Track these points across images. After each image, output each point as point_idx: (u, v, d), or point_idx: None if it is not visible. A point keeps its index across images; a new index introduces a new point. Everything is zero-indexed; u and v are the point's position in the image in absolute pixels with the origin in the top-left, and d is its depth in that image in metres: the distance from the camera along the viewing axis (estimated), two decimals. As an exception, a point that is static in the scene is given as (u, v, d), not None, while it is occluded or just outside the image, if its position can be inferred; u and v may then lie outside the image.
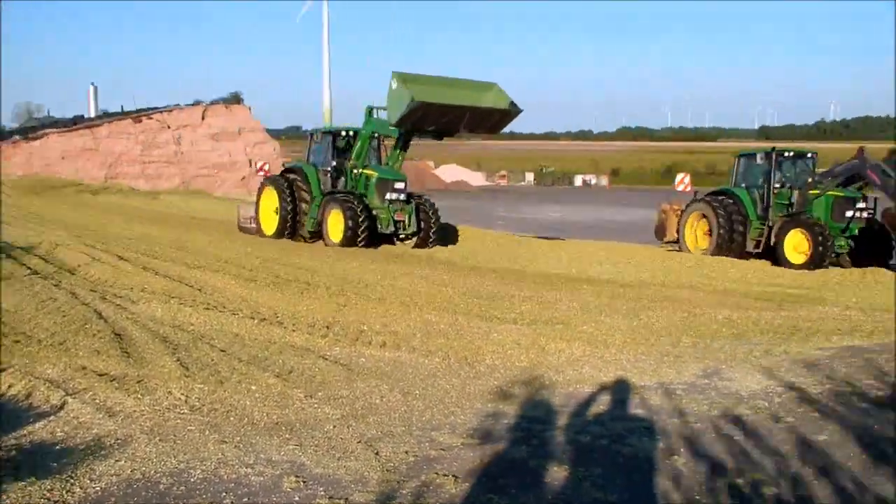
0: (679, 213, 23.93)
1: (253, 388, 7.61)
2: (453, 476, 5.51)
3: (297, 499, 5.14)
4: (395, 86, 19.68)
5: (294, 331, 10.06)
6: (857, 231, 20.38)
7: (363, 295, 12.78)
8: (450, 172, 78.25)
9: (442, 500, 5.14)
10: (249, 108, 51.11)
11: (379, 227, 21.18)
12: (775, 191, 21.75)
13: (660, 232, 25.57)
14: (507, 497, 5.17)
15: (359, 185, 21.84)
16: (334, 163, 22.28)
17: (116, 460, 5.66)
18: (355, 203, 20.69)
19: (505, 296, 13.41)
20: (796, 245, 20.09)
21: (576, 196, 63.25)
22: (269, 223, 23.01)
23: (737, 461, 5.82)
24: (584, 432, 6.49)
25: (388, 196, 21.06)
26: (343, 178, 22.35)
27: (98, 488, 5.20)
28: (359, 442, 6.22)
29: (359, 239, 20.46)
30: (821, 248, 19.46)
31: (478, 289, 14.02)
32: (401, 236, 21.74)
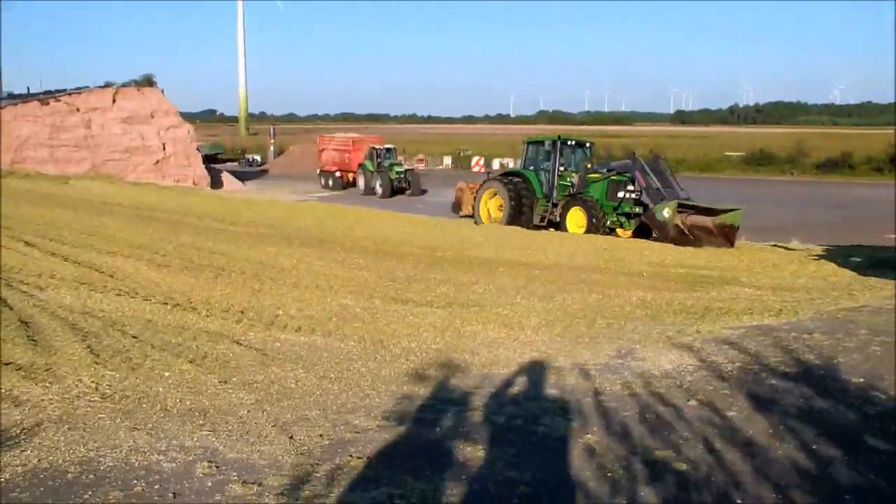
0: (474, 191, 28.39)
1: (166, 374, 7.51)
2: (367, 458, 5.53)
3: (209, 484, 5.10)
4: None
5: (208, 316, 9.94)
6: (627, 209, 24.51)
7: (278, 280, 12.68)
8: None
9: (356, 482, 5.16)
10: (162, 91, 50.05)
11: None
12: (559, 173, 26.10)
13: (456, 207, 29.26)
14: (422, 478, 5.20)
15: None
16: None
17: (22, 450, 5.53)
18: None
19: (421, 279, 13.45)
20: (576, 220, 24.54)
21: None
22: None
23: (650, 437, 5.94)
24: (498, 413, 6.56)
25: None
26: None
27: (1, 479, 5.08)
28: (273, 426, 6.19)
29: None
30: (594, 222, 23.92)
31: (394, 272, 14.03)
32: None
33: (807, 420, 6.21)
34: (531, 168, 26.95)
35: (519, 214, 25.62)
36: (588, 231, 23.64)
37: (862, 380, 7.19)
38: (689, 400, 6.83)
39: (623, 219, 24.77)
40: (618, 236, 24.00)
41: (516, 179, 26.44)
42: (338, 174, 53.05)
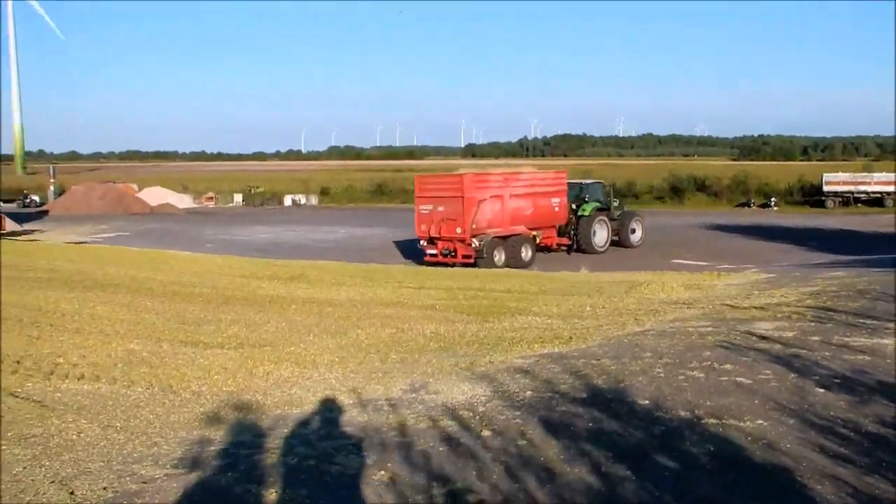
0: None
1: (-70, 433, 7.00)
2: (155, 509, 5.34)
3: (-19, 550, 4.78)
4: None
5: (-22, 368, 9.34)
6: None
7: (59, 326, 12.08)
8: (154, 195, 75.42)
9: (143, 535, 4.97)
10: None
11: None
12: None
13: None
14: (212, 526, 5.07)
15: None
16: None
17: None
18: None
19: (212, 320, 13.16)
20: None
21: (286, 216, 62.94)
22: None
23: (446, 468, 5.99)
24: (291, 454, 6.48)
25: None
26: None
27: None
28: (52, 482, 5.86)
29: None
30: None
31: (183, 314, 13.67)
32: None
33: (597, 442, 6.45)
34: None
35: None
36: None
37: (647, 402, 7.54)
38: (482, 430, 6.95)
39: None
40: None
41: None
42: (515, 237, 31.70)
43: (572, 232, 34.18)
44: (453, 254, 30.26)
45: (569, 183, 35.05)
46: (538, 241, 32.29)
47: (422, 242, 31.61)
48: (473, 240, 29.88)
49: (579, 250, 33.73)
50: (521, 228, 31.70)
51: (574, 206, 34.50)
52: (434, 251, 30.88)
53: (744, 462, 5.89)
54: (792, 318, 11.75)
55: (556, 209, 33.69)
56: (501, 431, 6.87)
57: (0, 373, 9.01)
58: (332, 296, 17.18)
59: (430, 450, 6.46)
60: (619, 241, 35.40)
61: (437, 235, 30.81)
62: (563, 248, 34.21)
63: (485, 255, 29.50)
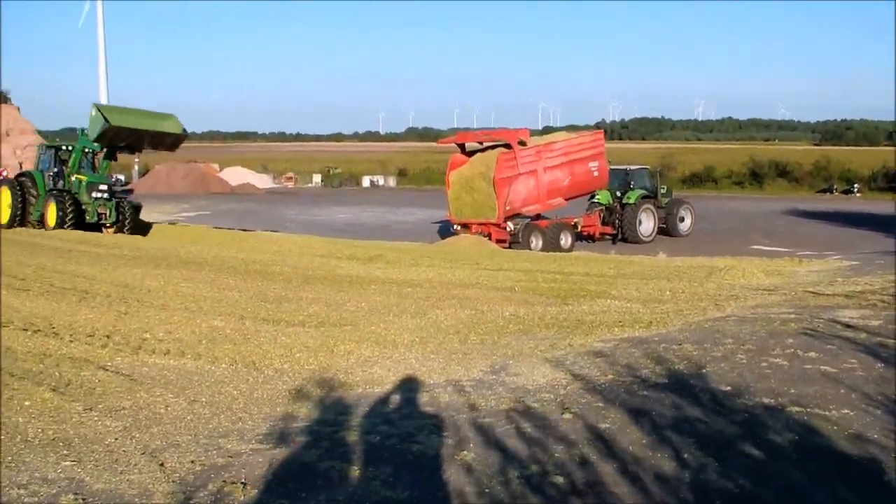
0: None
1: (27, 403, 7.21)
2: (242, 483, 5.42)
3: (75, 517, 4.93)
4: (93, 113, 27.31)
5: (71, 342, 9.61)
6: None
7: (145, 302, 12.36)
8: (235, 175, 76.47)
9: (230, 508, 5.06)
10: (18, 109, 48.30)
11: (87, 217, 27.28)
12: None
13: None
14: (298, 500, 5.14)
15: (74, 186, 28.08)
16: (55, 169, 28.68)
17: None
18: (65, 198, 27.23)
19: (293, 298, 13.33)
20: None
21: (364, 197, 63.37)
22: (3, 215, 28.30)
23: (526, 452, 5.98)
24: (373, 432, 6.54)
25: (94, 195, 27.59)
26: (62, 181, 28.43)
27: None
28: (142, 454, 6.02)
29: (66, 224, 26.48)
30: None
31: (265, 292, 13.86)
32: (106, 224, 27.62)
33: (679, 429, 6.39)
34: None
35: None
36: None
37: (729, 388, 7.44)
38: (563, 413, 6.93)
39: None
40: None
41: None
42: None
43: (617, 220, 32.37)
44: (487, 238, 28.74)
45: (613, 169, 33.36)
46: (579, 228, 31.06)
47: (455, 227, 30.17)
48: (508, 223, 28.63)
49: (624, 240, 31.89)
50: (558, 201, 30.67)
51: (619, 194, 32.72)
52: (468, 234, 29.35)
53: (829, 452, 5.78)
54: (877, 307, 11.47)
55: (595, 174, 31.76)
56: (581, 416, 6.84)
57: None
58: (410, 276, 17.26)
59: (510, 433, 6.46)
60: (667, 229, 33.24)
61: (469, 221, 29.65)
62: (608, 237, 32.49)
63: (520, 240, 28.19)
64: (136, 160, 74.86)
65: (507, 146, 29.38)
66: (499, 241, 28.09)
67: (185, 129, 29.70)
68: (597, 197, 32.77)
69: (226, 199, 61.34)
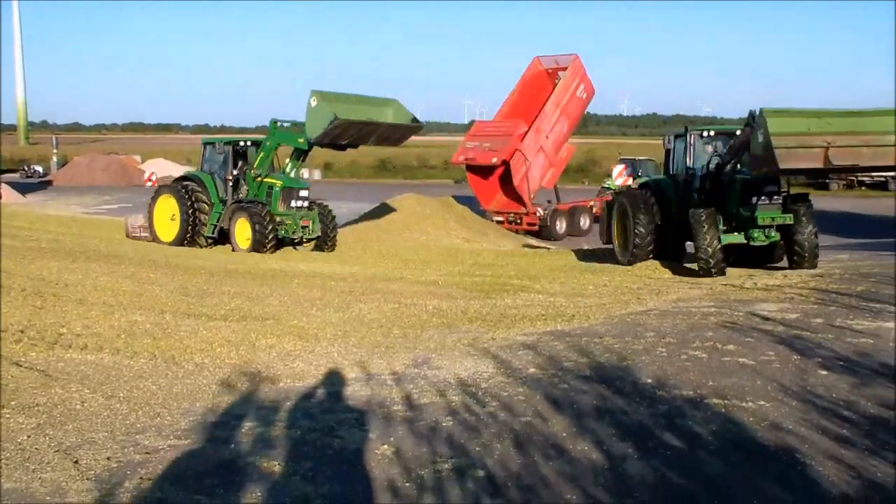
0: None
1: (-66, 400, 7.01)
2: (158, 480, 5.35)
3: (-15, 517, 4.81)
4: (314, 103, 20.20)
5: (-18, 337, 9.35)
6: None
7: (62, 296, 12.05)
8: (157, 167, 74.54)
9: (146, 505, 4.99)
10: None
11: (284, 232, 21.44)
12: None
13: None
14: (216, 497, 5.09)
15: (261, 193, 22.01)
16: (235, 172, 22.58)
17: None
18: (262, 212, 21.05)
19: (215, 292, 13.17)
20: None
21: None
22: (166, 230, 22.70)
23: (447, 445, 6.02)
24: (294, 427, 6.51)
25: (293, 203, 21.65)
26: (243, 187, 22.56)
27: None
28: (56, 452, 5.89)
29: (266, 245, 20.69)
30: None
31: (186, 286, 13.66)
32: (304, 240, 22.16)
33: (600, 419, 6.48)
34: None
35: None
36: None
37: (650, 380, 7.56)
38: (485, 406, 6.98)
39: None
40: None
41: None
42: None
43: None
44: (518, 221, 30.81)
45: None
46: (595, 211, 32.02)
47: (490, 214, 31.87)
48: (538, 209, 30.58)
49: None
50: (565, 148, 32.44)
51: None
52: (500, 219, 31.20)
53: (747, 442, 5.92)
54: (795, 300, 11.78)
55: (584, 96, 32.58)
56: (504, 407, 6.90)
57: (0, 344, 9.02)
58: (335, 270, 17.19)
59: (432, 425, 6.49)
60: None
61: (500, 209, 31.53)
62: None
63: (548, 224, 30.36)
64: (55, 151, 73.19)
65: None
66: (529, 225, 30.57)
67: (415, 118, 22.75)
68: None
69: (148, 191, 60.32)
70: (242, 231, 20.99)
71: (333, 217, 22.60)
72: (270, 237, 20.71)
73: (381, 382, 7.87)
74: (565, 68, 32.27)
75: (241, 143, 23.34)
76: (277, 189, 21.62)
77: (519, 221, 30.83)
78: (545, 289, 14.71)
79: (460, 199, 31.36)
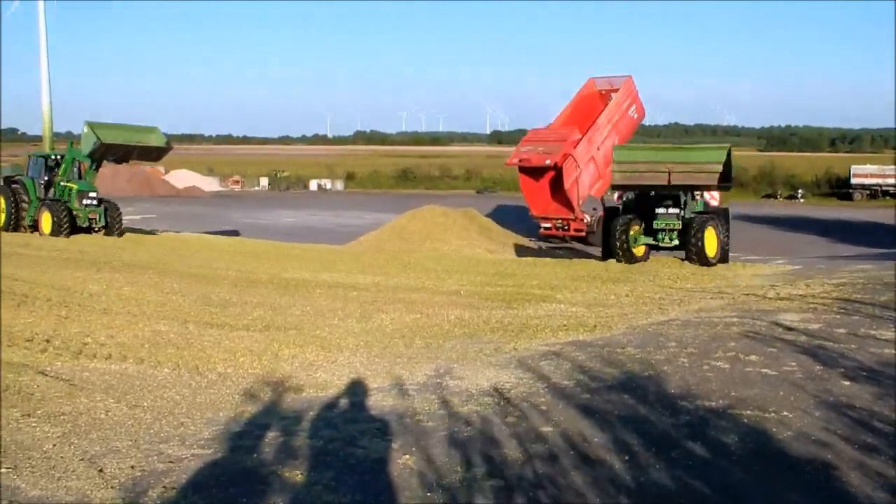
0: None
1: (-38, 409, 7.08)
2: (181, 488, 5.38)
3: (11, 524, 4.85)
4: (86, 130, 28.33)
5: (9, 346, 9.43)
6: None
7: (87, 306, 12.17)
8: (181, 178, 75.62)
9: (170, 514, 5.02)
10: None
11: (78, 222, 27.66)
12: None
13: None
14: (239, 506, 5.12)
15: (64, 194, 28.45)
16: (46, 177, 29.21)
17: None
18: (59, 206, 27.60)
19: (237, 302, 13.24)
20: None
21: (311, 200, 63.05)
22: None
23: (470, 454, 6.01)
24: (316, 437, 6.52)
25: (84, 202, 28.02)
26: (52, 188, 28.95)
27: None
28: (81, 460, 5.94)
29: (62, 230, 26.72)
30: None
31: (209, 296, 13.75)
32: (95, 228, 28.03)
33: (625, 427, 6.46)
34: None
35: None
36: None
37: (673, 390, 7.53)
38: (506, 416, 6.97)
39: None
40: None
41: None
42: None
43: None
44: (566, 227, 31.59)
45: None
46: None
47: (539, 221, 32.91)
48: (585, 216, 31.18)
49: None
50: None
51: None
52: (548, 224, 32.03)
53: (770, 452, 5.89)
54: (818, 310, 11.71)
55: (636, 115, 33.99)
56: (524, 418, 6.89)
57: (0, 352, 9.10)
58: (356, 280, 17.22)
59: (454, 435, 6.48)
60: None
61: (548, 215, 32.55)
62: None
63: (594, 230, 30.17)
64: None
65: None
66: (576, 231, 31.60)
67: (168, 142, 31.07)
68: None
69: (171, 202, 60.69)
70: (47, 220, 27.02)
71: (119, 212, 29.10)
72: (65, 225, 26.87)
73: (404, 392, 7.88)
74: (618, 90, 33.28)
75: (52, 157, 30.13)
76: (74, 191, 27.94)
77: (567, 227, 31.64)
78: (567, 298, 14.68)
79: (481, 209, 31.46)
